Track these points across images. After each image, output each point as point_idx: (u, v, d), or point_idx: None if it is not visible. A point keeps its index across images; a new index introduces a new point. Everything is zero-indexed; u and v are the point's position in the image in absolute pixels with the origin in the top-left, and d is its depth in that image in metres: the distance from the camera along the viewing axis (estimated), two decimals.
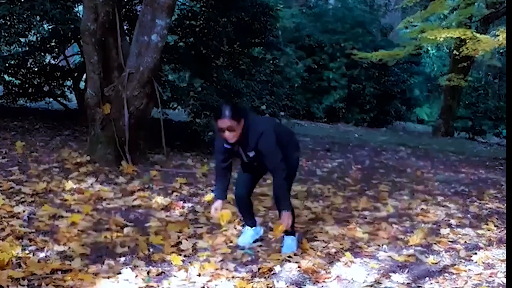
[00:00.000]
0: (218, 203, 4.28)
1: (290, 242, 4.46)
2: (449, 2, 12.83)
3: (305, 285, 3.85)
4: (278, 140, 4.16)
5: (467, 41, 10.24)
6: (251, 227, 4.63)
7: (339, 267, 4.20)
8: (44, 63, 9.90)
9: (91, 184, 5.91)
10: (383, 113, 17.52)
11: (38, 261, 3.82)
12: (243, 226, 4.78)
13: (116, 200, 5.53)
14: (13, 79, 9.71)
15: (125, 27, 8.12)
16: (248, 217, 4.62)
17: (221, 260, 4.18)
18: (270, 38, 10.50)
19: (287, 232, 4.42)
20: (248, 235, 4.62)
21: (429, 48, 20.63)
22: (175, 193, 6.03)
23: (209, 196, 5.76)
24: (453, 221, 5.84)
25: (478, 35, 10.41)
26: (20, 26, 8.06)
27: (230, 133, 3.99)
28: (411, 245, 4.88)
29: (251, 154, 4.11)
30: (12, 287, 3.40)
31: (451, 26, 12.40)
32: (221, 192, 4.32)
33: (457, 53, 11.51)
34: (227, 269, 4.02)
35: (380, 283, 4.00)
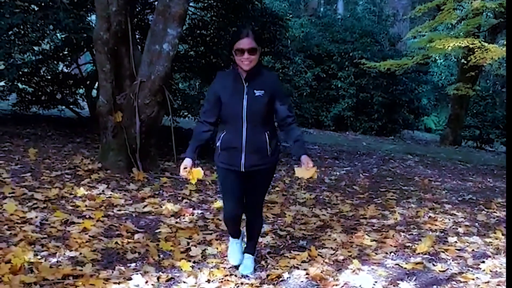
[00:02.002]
0: (188, 161, 3.78)
1: (249, 264, 4.15)
2: (457, 12, 12.86)
3: None
4: None
5: (475, 50, 10.26)
6: (238, 238, 4.20)
7: (347, 275, 4.23)
8: (57, 71, 10.02)
9: (103, 191, 5.97)
10: (391, 121, 17.53)
11: (50, 266, 3.86)
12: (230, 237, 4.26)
13: (127, 206, 5.59)
14: (27, 87, 9.82)
15: (137, 36, 8.22)
16: (236, 229, 4.15)
17: (230, 267, 4.21)
18: (280, 47, 10.59)
19: (246, 250, 4.19)
20: (238, 251, 4.19)
21: (437, 58, 20.61)
22: (185, 200, 6.09)
23: (218, 203, 5.82)
24: (460, 229, 5.86)
25: (486, 44, 10.44)
26: (34, 35, 8.19)
27: (249, 56, 3.60)
28: (419, 253, 4.90)
29: (259, 93, 3.68)
30: None
31: (459, 36, 12.41)
32: (192, 151, 3.85)
33: (465, 62, 11.53)
34: (236, 276, 4.06)
35: None
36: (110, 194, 5.90)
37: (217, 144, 3.82)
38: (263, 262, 4.36)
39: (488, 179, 9.60)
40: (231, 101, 3.70)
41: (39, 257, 4.03)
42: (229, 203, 3.92)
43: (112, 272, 3.91)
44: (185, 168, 3.78)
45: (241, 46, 3.59)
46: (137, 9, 9.01)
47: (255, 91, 3.68)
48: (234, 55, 3.66)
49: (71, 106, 10.46)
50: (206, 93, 3.67)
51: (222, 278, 3.97)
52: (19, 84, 9.51)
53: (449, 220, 6.24)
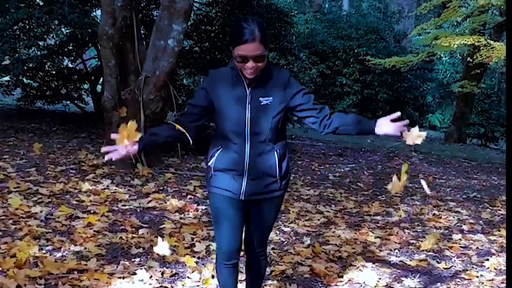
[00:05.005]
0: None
1: None
2: (463, 9, 12.81)
3: None
4: None
5: (481, 48, 10.23)
6: None
7: (351, 271, 4.24)
8: (62, 66, 10.04)
9: (107, 186, 5.99)
10: (396, 119, 17.50)
11: (55, 261, 3.87)
12: None
13: (131, 201, 5.59)
14: (32, 82, 9.84)
15: (142, 32, 8.22)
16: (232, 282, 3.11)
17: None
18: (284, 43, 10.58)
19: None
20: None
21: (442, 55, 20.56)
22: (189, 196, 6.09)
23: None
24: (465, 227, 5.86)
25: (492, 42, 10.40)
26: (39, 30, 8.21)
27: (255, 65, 2.66)
28: (423, 250, 4.90)
29: (266, 100, 2.76)
30: (29, 286, 3.45)
31: (465, 33, 12.39)
32: (147, 136, 2.89)
33: (471, 60, 11.49)
34: (240, 271, 4.06)
35: (392, 287, 4.03)
36: (115, 189, 5.91)
37: (209, 164, 2.90)
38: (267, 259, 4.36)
39: (493, 177, 9.58)
40: (229, 112, 2.77)
41: (44, 251, 4.05)
42: (225, 236, 2.92)
43: (117, 267, 3.92)
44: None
45: (244, 53, 2.62)
46: (142, 4, 9.01)
47: (261, 98, 2.76)
48: (234, 57, 2.72)
49: (76, 101, 10.48)
50: (195, 91, 2.89)
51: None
52: (24, 79, 9.53)
53: (454, 217, 6.24)
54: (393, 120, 2.84)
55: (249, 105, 2.75)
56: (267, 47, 2.71)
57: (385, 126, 2.83)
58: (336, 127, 2.86)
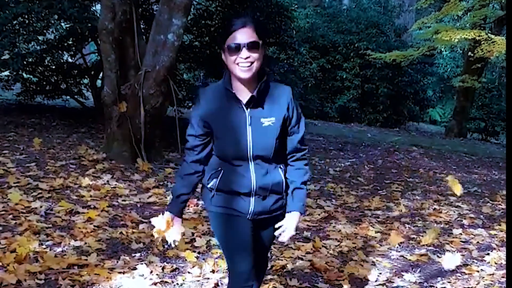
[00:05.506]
0: (169, 216, 2.64)
1: None
2: (464, 3, 12.78)
3: (317, 283, 3.89)
4: None
5: (481, 42, 10.21)
6: None
7: (352, 266, 4.24)
8: (62, 61, 10.00)
9: (107, 181, 5.98)
10: (396, 113, 17.47)
11: (55, 256, 3.88)
12: None
13: (131, 196, 5.60)
14: (31, 76, 9.81)
15: (141, 26, 8.20)
16: None
17: None
18: (285, 37, 10.56)
19: None
20: None
21: (442, 49, 20.52)
22: None
23: None
24: (465, 222, 5.86)
25: (493, 36, 10.37)
26: (38, 24, 8.18)
27: (249, 54, 2.39)
28: (424, 245, 4.91)
29: (268, 121, 2.50)
30: (29, 281, 3.46)
31: (465, 27, 12.34)
32: (177, 205, 2.67)
33: (472, 54, 11.46)
34: None
35: (392, 282, 4.03)
36: (115, 184, 5.91)
37: (210, 186, 2.61)
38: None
39: (493, 172, 9.57)
40: (228, 137, 2.51)
41: (44, 246, 4.06)
42: (242, 260, 2.66)
43: (117, 262, 3.92)
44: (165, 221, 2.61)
45: (236, 41, 2.39)
46: None
47: (262, 119, 2.50)
48: (226, 57, 2.47)
49: (76, 96, 10.45)
50: (190, 118, 2.62)
51: (227, 269, 3.96)
52: (24, 74, 9.50)
53: (454, 212, 6.24)
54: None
55: (250, 127, 2.48)
56: (264, 41, 2.46)
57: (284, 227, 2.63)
58: (286, 177, 2.65)
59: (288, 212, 2.64)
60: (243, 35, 2.38)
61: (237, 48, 2.38)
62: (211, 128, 2.53)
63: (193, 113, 2.61)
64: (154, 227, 2.60)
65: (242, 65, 2.39)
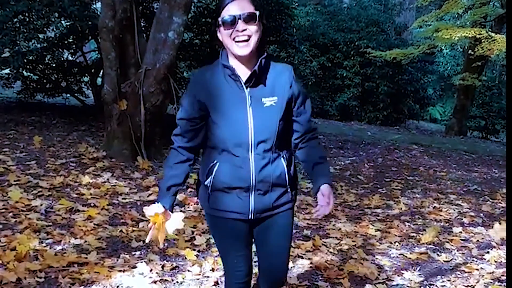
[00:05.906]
0: (157, 207, 2.34)
1: None
2: (464, 1, 12.77)
3: (317, 282, 3.89)
4: None
5: (482, 40, 10.21)
6: None
7: (351, 264, 4.24)
8: (62, 59, 10.01)
9: (107, 179, 5.99)
10: (396, 111, 17.47)
11: (55, 254, 3.88)
12: None
13: (131, 195, 5.60)
14: (31, 74, 9.82)
15: (142, 24, 8.20)
16: None
17: None
18: (285, 36, 10.55)
19: None
20: None
21: (443, 47, 20.50)
22: (189, 189, 6.08)
23: None
24: (465, 220, 5.86)
25: (493, 34, 10.37)
26: (39, 22, 8.19)
27: (246, 27, 2.22)
28: (423, 243, 4.91)
29: (270, 101, 2.31)
30: (29, 279, 3.46)
31: (466, 25, 12.36)
32: (165, 194, 2.41)
33: (472, 52, 11.46)
34: None
35: (392, 280, 4.04)
36: (115, 183, 5.91)
37: (206, 183, 2.42)
38: None
39: (494, 170, 9.57)
40: (226, 119, 2.30)
41: (44, 244, 4.06)
42: (233, 264, 2.60)
43: (117, 260, 3.93)
44: (153, 215, 2.34)
45: (230, 13, 2.21)
46: None
47: (263, 99, 2.30)
48: (221, 33, 2.29)
49: (76, 94, 10.45)
50: (181, 103, 2.42)
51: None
52: (24, 72, 9.51)
53: (454, 210, 6.24)
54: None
55: (250, 108, 2.28)
56: (260, 13, 2.26)
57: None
58: (299, 152, 2.51)
59: (317, 189, 2.43)
60: (238, 7, 2.21)
61: (233, 21, 2.20)
62: (207, 110, 2.31)
63: (186, 94, 2.40)
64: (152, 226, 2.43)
65: (239, 39, 2.22)
